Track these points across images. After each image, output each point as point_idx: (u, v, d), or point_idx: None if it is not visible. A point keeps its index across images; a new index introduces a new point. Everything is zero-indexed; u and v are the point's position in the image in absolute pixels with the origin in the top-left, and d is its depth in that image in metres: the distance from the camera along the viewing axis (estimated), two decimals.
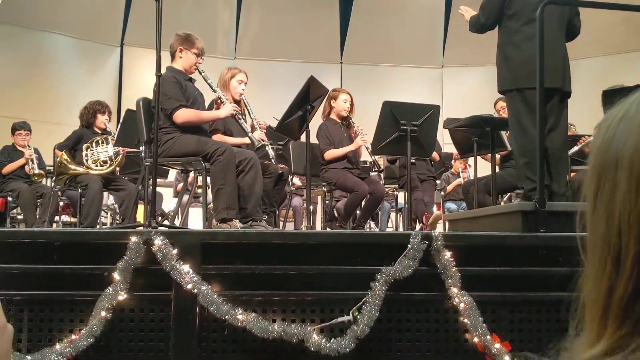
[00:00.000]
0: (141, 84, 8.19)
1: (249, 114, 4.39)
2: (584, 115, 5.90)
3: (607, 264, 0.53)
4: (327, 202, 5.83)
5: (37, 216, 5.51)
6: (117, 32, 9.36)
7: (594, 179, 0.55)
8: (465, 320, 2.40)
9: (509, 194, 5.50)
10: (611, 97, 4.39)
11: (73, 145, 5.22)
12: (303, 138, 4.43)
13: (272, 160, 4.36)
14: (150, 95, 3.93)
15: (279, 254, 2.48)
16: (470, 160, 6.16)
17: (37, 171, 5.74)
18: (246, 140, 4.29)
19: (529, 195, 3.20)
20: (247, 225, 3.73)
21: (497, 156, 4.97)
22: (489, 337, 2.38)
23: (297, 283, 2.45)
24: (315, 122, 4.77)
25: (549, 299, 2.48)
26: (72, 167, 5.00)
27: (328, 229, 5.33)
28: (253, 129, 4.25)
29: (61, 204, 5.60)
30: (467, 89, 9.68)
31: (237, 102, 4.33)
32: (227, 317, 2.30)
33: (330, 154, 4.95)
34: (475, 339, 2.39)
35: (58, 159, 5.10)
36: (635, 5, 3.63)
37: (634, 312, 0.51)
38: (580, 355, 0.55)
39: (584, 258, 0.57)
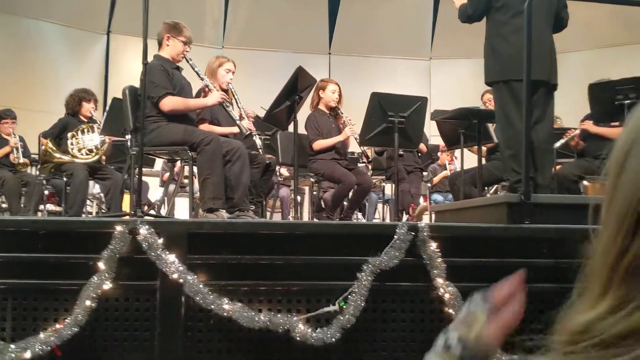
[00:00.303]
0: (128, 72, 8.13)
1: (237, 103, 4.37)
2: (570, 108, 5.95)
3: (622, 227, 0.55)
4: (314, 192, 5.84)
5: (22, 205, 5.46)
6: (104, 20, 9.27)
7: (627, 143, 0.57)
8: (450, 311, 2.42)
9: (495, 186, 5.54)
10: (597, 90, 4.43)
11: (58, 134, 5.17)
12: (291, 128, 4.42)
13: (260, 150, 4.35)
14: (137, 84, 3.90)
15: (266, 244, 2.48)
16: (457, 152, 6.18)
17: (22, 160, 5.68)
18: (234, 129, 4.27)
19: (515, 187, 3.22)
20: (234, 215, 3.72)
21: (484, 148, 5.00)
22: None
23: (283, 273, 2.45)
24: (304, 113, 4.76)
25: (533, 290, 2.50)
26: (58, 155, 4.95)
27: (315, 220, 5.33)
28: (241, 118, 4.23)
29: (46, 192, 5.55)
30: (455, 81, 9.70)
31: (225, 91, 4.31)
32: (213, 306, 2.30)
33: (319, 144, 4.95)
34: None
35: (43, 147, 5.05)
36: None
37: (638, 274, 0.54)
38: (581, 317, 0.57)
39: (601, 223, 0.59)
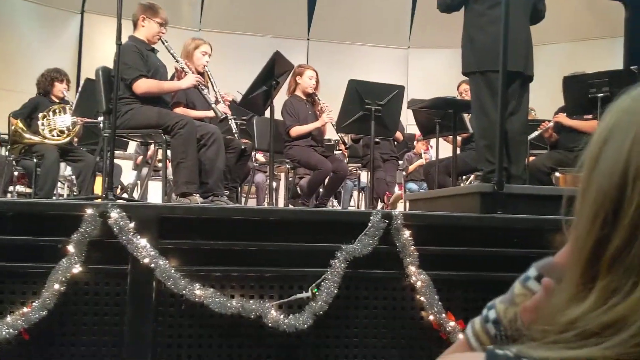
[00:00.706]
0: (101, 53, 7.94)
1: (213, 86, 4.31)
2: (545, 100, 6.01)
3: (598, 217, 0.56)
4: (290, 179, 5.82)
5: None
6: None
7: (602, 136, 0.59)
8: (422, 299, 2.44)
9: (469, 175, 5.59)
10: (572, 83, 4.48)
11: (29, 114, 5.05)
12: (267, 114, 4.39)
13: (236, 135, 4.31)
14: (111, 65, 3.82)
15: (240, 230, 2.47)
16: (432, 141, 6.22)
17: None
18: (209, 113, 4.23)
19: (488, 177, 3.25)
20: (208, 200, 3.69)
21: (459, 138, 5.04)
22: (444, 315, 2.42)
23: (257, 259, 2.44)
24: (280, 98, 4.73)
25: (504, 279, 2.53)
26: (27, 136, 4.85)
27: (290, 206, 5.33)
28: (217, 102, 4.18)
29: (16, 173, 5.44)
30: (432, 70, 9.73)
31: (201, 74, 4.25)
32: (184, 292, 2.28)
33: (296, 130, 4.93)
34: (431, 317, 2.43)
35: (13, 127, 4.94)
36: None
37: (624, 262, 0.54)
38: (569, 312, 0.57)
39: (576, 214, 0.61)
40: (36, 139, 4.83)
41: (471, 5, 3.48)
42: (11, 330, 2.17)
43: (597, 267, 0.57)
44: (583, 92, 4.21)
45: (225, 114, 4.10)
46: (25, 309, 2.21)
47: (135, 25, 3.99)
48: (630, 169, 0.54)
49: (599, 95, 4.07)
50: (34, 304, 2.20)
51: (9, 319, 2.18)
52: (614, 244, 0.55)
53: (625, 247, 0.54)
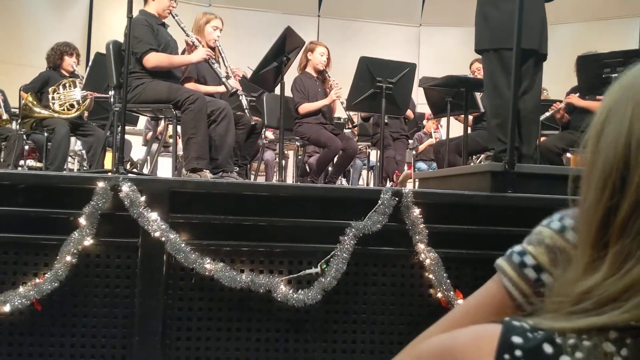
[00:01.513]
0: (111, 27, 7.93)
1: (224, 62, 4.29)
2: (557, 80, 5.95)
3: (607, 187, 0.59)
4: (299, 156, 5.82)
5: (2, 159, 5.37)
6: None
7: (604, 113, 0.62)
8: (430, 276, 2.44)
9: (479, 155, 5.57)
10: (585, 63, 4.42)
11: (40, 88, 5.06)
12: (277, 91, 4.37)
13: (246, 111, 4.30)
14: (121, 39, 3.81)
15: (250, 205, 2.47)
16: (442, 120, 6.18)
17: (4, 117, 5.55)
18: (220, 89, 4.21)
19: (499, 157, 3.23)
20: (218, 176, 3.70)
21: (470, 117, 5.00)
22: (452, 293, 2.43)
23: (266, 234, 2.45)
24: (290, 75, 4.70)
25: None
26: (37, 110, 4.86)
27: (299, 183, 5.33)
28: (227, 77, 4.16)
29: (26, 147, 5.46)
30: (444, 48, 9.64)
31: (212, 49, 4.22)
32: (194, 265, 2.30)
33: (305, 107, 4.91)
34: (439, 295, 2.44)
35: (23, 101, 4.95)
36: None
37: (634, 227, 0.57)
38: (583, 282, 0.58)
39: (582, 189, 0.63)
40: (46, 112, 4.85)
41: None
42: (24, 300, 2.20)
43: (607, 236, 0.58)
44: (597, 72, 4.16)
45: (236, 88, 4.08)
46: (37, 280, 2.24)
47: None
48: (633, 140, 0.57)
49: (613, 75, 4.02)
50: (46, 275, 2.23)
51: (21, 289, 2.21)
52: (623, 210, 0.57)
53: (634, 211, 0.57)
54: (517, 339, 0.55)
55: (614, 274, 0.56)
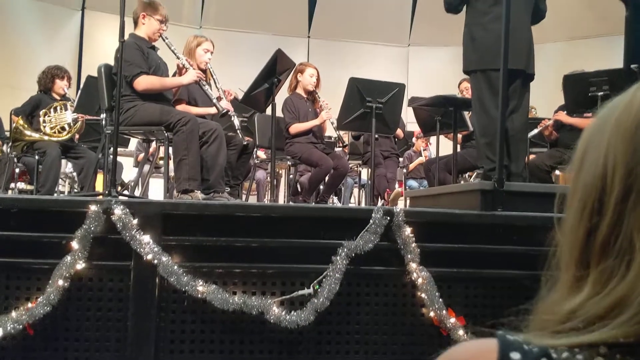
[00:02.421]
0: (102, 50, 7.95)
1: (215, 83, 4.32)
2: (545, 99, 6.03)
3: (586, 208, 0.62)
4: (291, 176, 5.83)
5: None
6: None
7: (585, 142, 0.65)
8: (423, 295, 2.45)
9: (469, 173, 5.61)
10: (572, 82, 4.49)
11: (31, 111, 5.06)
12: (269, 111, 4.40)
13: (238, 132, 4.32)
14: (112, 61, 3.84)
15: (242, 226, 2.48)
16: (432, 138, 6.23)
17: None
18: (211, 110, 4.24)
19: (488, 175, 3.27)
20: (209, 196, 3.71)
21: (459, 136, 5.05)
22: (444, 312, 2.44)
23: (258, 255, 2.46)
24: (281, 96, 4.74)
25: (503, 276, 2.56)
26: (28, 133, 4.86)
27: (291, 203, 5.34)
28: (219, 99, 4.19)
29: (17, 170, 5.45)
30: (433, 68, 9.74)
31: (203, 71, 4.26)
32: (187, 288, 2.30)
33: (296, 127, 4.94)
34: (432, 314, 2.45)
35: (14, 125, 4.95)
36: None
37: (613, 248, 0.59)
38: (568, 303, 0.60)
39: (567, 208, 0.66)
40: (37, 136, 4.85)
41: (473, 3, 3.49)
42: (16, 325, 2.19)
43: (590, 256, 0.61)
44: (583, 91, 4.23)
45: (227, 109, 4.11)
46: (29, 305, 2.23)
47: (135, 22, 4.00)
48: (609, 166, 0.60)
49: (599, 94, 4.09)
50: (38, 299, 2.22)
51: (13, 314, 2.20)
52: (602, 231, 0.60)
53: (613, 231, 0.59)
54: (515, 355, 0.57)
55: (599, 292, 0.58)
